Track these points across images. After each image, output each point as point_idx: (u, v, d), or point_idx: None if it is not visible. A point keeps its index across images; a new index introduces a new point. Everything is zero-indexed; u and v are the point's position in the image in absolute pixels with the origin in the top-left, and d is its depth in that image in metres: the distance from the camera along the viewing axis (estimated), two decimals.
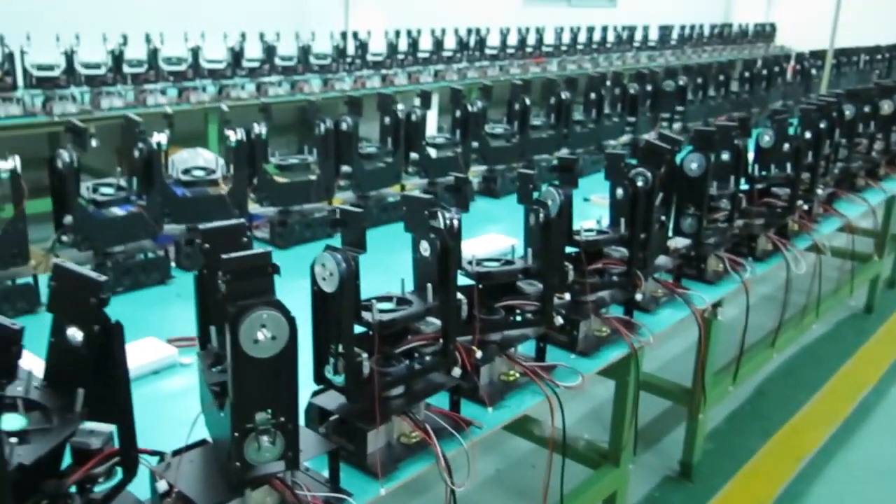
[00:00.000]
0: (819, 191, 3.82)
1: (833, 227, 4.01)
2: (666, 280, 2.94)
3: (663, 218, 2.82)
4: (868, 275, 5.32)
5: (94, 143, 2.71)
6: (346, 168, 3.57)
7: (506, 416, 2.11)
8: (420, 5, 9.59)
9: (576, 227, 2.47)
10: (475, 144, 4.18)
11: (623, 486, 3.01)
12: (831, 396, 4.51)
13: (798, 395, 4.47)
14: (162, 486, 1.52)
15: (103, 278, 1.33)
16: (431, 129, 4.76)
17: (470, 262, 2.11)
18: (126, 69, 6.07)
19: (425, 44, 8.25)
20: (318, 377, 1.79)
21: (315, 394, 1.87)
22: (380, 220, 3.54)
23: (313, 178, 3.38)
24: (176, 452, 1.61)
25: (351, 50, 7.65)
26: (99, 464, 1.39)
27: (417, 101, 4.06)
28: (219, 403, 1.53)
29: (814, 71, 7.99)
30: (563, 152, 4.24)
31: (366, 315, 1.75)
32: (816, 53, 8.48)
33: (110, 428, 1.43)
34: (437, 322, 1.92)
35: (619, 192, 2.59)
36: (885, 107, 4.65)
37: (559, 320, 2.28)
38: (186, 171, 3.10)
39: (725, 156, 3.16)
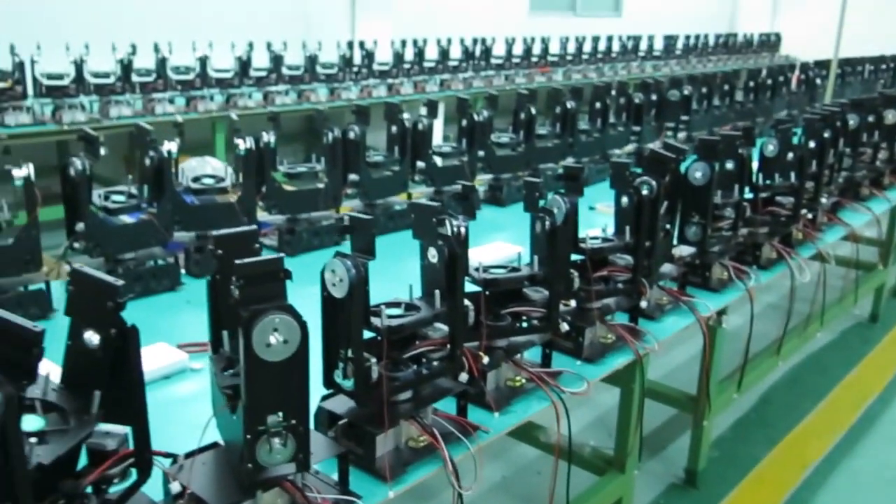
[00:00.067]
0: (823, 200, 3.84)
1: (837, 236, 4.03)
2: (671, 288, 2.96)
3: (668, 226, 2.84)
4: (873, 284, 5.33)
5: (102, 151, 2.75)
6: (353, 176, 3.61)
7: (512, 421, 2.13)
8: (426, 15, 9.66)
9: (581, 235, 2.49)
10: (481, 153, 4.21)
11: (628, 492, 3.02)
12: (836, 405, 4.51)
13: (803, 403, 4.47)
14: (175, 487, 1.55)
15: (120, 283, 1.36)
16: (437, 138, 4.79)
17: (477, 269, 2.14)
18: (135, 78, 6.13)
19: (431, 53, 8.31)
20: (328, 381, 1.81)
21: (324, 398, 1.90)
22: (386, 228, 3.57)
23: (321, 186, 3.41)
24: (188, 455, 1.64)
25: (357, 59, 7.71)
26: (114, 465, 1.42)
27: (424, 111, 4.10)
28: (231, 406, 1.56)
29: (818, 81, 8.01)
30: (569, 161, 4.27)
31: (375, 320, 1.78)
32: (821, 63, 8.50)
33: (125, 430, 1.46)
34: (445, 328, 1.95)
35: (625, 200, 2.62)
36: (890, 116, 4.67)
37: (565, 327, 2.31)
38: (196, 179, 3.14)
39: (730, 165, 3.19)
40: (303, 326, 1.45)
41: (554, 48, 9.84)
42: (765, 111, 6.57)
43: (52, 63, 5.71)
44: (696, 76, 6.25)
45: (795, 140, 3.60)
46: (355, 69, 7.69)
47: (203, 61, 6.52)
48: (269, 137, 3.26)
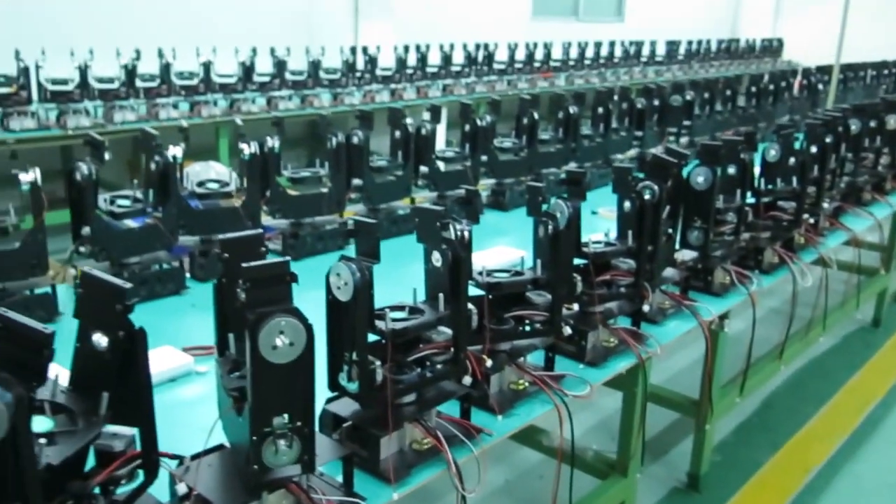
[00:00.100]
0: (825, 204, 3.85)
1: (839, 241, 4.03)
2: (673, 292, 2.97)
3: (670, 230, 2.85)
4: (875, 288, 5.33)
5: (106, 155, 2.77)
6: (357, 181, 3.63)
7: (515, 424, 2.14)
8: (429, 20, 9.68)
9: (584, 239, 2.51)
10: (484, 158, 4.23)
11: (631, 496, 3.02)
12: (839, 409, 4.51)
13: (805, 407, 4.48)
14: (181, 488, 1.56)
15: (129, 285, 1.37)
16: (440, 143, 4.81)
17: (480, 273, 2.15)
18: (139, 83, 6.17)
19: (434, 58, 8.33)
20: (333, 384, 1.83)
21: (329, 401, 1.91)
22: (390, 232, 3.59)
23: (325, 190, 3.43)
24: (194, 456, 1.65)
25: (360, 64, 7.75)
26: (122, 466, 1.43)
27: (427, 116, 4.12)
28: (237, 408, 1.57)
29: (820, 86, 8.02)
30: (571, 166, 4.29)
31: (379, 324, 1.80)
32: (823, 69, 8.51)
33: (132, 431, 1.47)
34: (449, 331, 1.96)
35: (627, 205, 2.63)
36: (891, 121, 4.68)
37: (567, 331, 2.32)
38: (201, 184, 3.16)
39: (732, 170, 3.20)
40: (308, 329, 1.47)
41: (556, 53, 9.87)
42: (767, 116, 6.59)
43: (57, 68, 5.75)
44: (698, 81, 6.26)
45: (797, 145, 3.61)
46: (358, 74, 7.72)
47: (207, 66, 6.55)
48: (273, 142, 3.28)
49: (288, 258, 1.51)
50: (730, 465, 3.85)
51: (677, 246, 2.99)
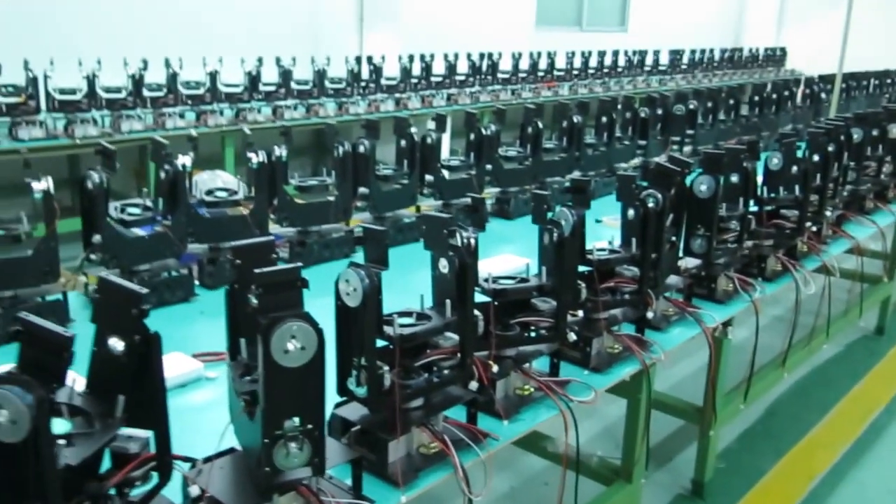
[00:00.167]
0: (828, 213, 3.88)
1: (842, 249, 4.06)
2: (677, 299, 2.99)
3: (674, 238, 2.88)
4: (878, 297, 5.35)
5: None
6: (363, 189, 3.66)
7: (521, 429, 2.17)
8: (433, 30, 9.74)
9: (588, 247, 2.54)
10: (489, 167, 4.26)
11: (635, 502, 3.04)
12: (843, 416, 4.53)
13: (809, 415, 4.49)
14: (194, 490, 1.59)
15: (144, 291, 1.41)
16: (445, 151, 4.85)
17: (486, 280, 2.18)
18: (146, 93, 6.21)
19: (438, 68, 8.38)
20: (341, 389, 1.86)
21: (338, 405, 1.94)
22: (396, 240, 3.62)
23: (331, 199, 3.46)
24: (207, 459, 1.68)
25: (365, 74, 7.79)
26: (136, 468, 1.46)
27: (432, 125, 4.15)
28: (249, 411, 1.60)
29: (823, 95, 8.05)
30: (575, 175, 4.31)
31: (387, 329, 1.83)
32: (826, 78, 8.55)
33: (147, 434, 1.51)
34: (455, 337, 1.99)
35: (631, 212, 2.66)
36: (894, 130, 4.70)
37: (572, 337, 2.35)
38: (209, 193, 3.20)
39: (735, 178, 3.23)
40: (319, 333, 1.50)
41: (560, 63, 9.91)
42: (770, 125, 6.61)
43: (65, 78, 5.80)
44: (701, 91, 6.31)
45: (800, 154, 3.64)
46: (363, 84, 7.76)
47: (213, 76, 6.60)
48: (280, 151, 3.31)
49: (299, 264, 1.54)
50: (734, 472, 3.87)
51: (681, 253, 3.02)
